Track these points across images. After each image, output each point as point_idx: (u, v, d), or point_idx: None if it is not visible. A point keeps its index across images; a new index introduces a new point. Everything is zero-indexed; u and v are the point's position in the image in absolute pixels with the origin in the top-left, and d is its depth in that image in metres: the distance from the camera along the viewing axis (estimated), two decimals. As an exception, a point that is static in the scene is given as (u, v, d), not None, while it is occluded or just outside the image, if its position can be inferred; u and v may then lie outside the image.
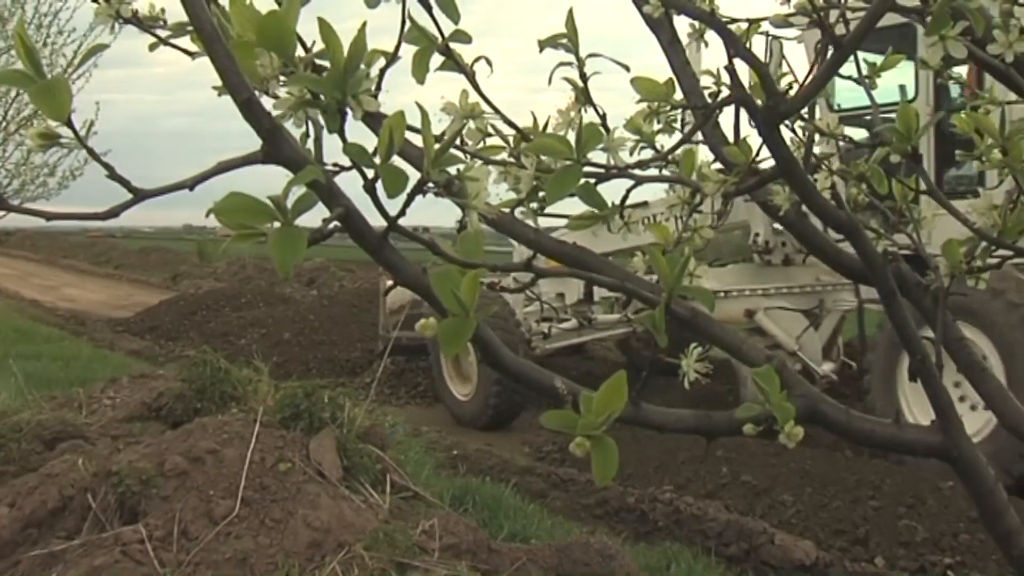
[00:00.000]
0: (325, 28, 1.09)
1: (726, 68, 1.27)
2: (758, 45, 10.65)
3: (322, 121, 1.10)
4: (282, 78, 1.13)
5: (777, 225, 11.23)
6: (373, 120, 1.15)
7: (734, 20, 1.41)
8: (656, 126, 1.43)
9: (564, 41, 1.50)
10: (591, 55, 1.47)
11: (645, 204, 9.99)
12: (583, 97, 1.47)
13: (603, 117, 1.43)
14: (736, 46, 1.27)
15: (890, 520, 7.83)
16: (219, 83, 1.07)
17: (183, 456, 5.65)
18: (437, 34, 1.32)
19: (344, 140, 1.11)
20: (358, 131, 1.13)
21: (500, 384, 11.85)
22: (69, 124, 1.03)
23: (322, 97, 1.09)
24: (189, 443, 5.79)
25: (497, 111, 1.39)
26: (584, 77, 1.47)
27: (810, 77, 1.34)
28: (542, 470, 9.61)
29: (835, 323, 11.61)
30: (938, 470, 8.34)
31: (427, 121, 1.11)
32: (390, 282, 5.71)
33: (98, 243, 50.96)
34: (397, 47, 1.18)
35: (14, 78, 1.05)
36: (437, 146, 1.07)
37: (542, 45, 1.52)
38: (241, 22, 1.11)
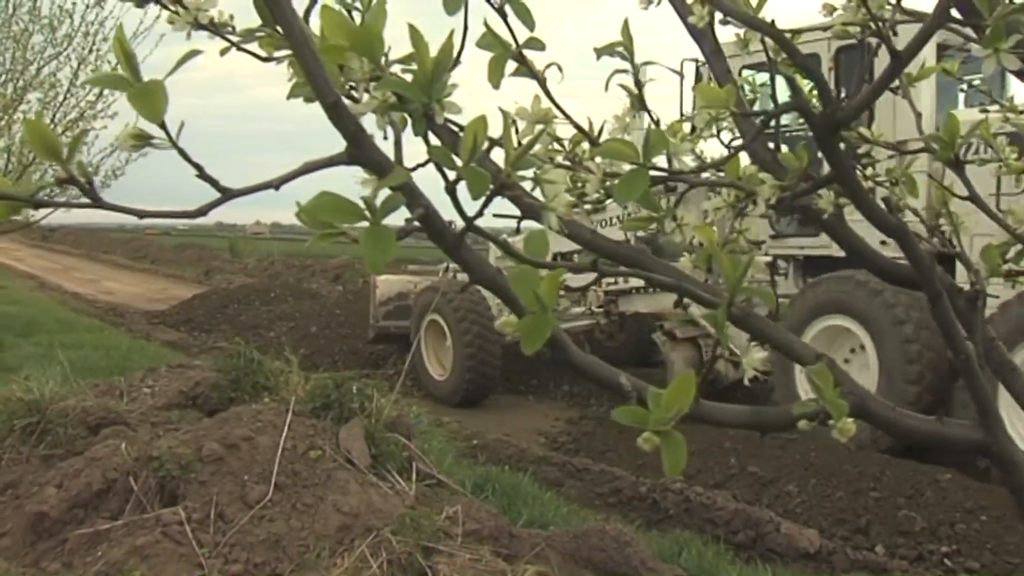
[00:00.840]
0: (415, 34, 1.07)
1: (788, 78, 1.24)
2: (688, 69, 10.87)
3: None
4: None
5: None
6: (436, 125, 1.12)
7: (790, 31, 1.39)
8: (711, 133, 1.41)
9: (620, 49, 1.48)
10: (646, 63, 1.45)
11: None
12: (638, 103, 1.45)
13: (656, 123, 1.41)
14: (796, 55, 1.25)
15: (890, 510, 7.79)
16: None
17: (220, 443, 5.65)
18: (511, 40, 1.30)
19: (428, 143, 1.09)
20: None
21: (471, 368, 12.78)
22: (162, 125, 1.02)
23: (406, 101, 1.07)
24: (225, 430, 5.79)
25: (568, 117, 1.37)
26: (639, 84, 1.45)
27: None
28: (557, 459, 9.60)
29: (763, 314, 11.64)
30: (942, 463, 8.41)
31: (508, 125, 1.09)
32: (380, 277, 5.64)
33: (136, 240, 51.12)
34: (459, 52, 1.16)
35: (111, 81, 1.03)
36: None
37: (599, 53, 1.49)
38: (331, 27, 1.08)
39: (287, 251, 39.67)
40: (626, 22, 1.46)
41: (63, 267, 38.97)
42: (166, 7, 1.18)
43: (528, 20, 1.29)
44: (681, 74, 10.09)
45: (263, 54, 1.25)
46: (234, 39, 1.25)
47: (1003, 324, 8.56)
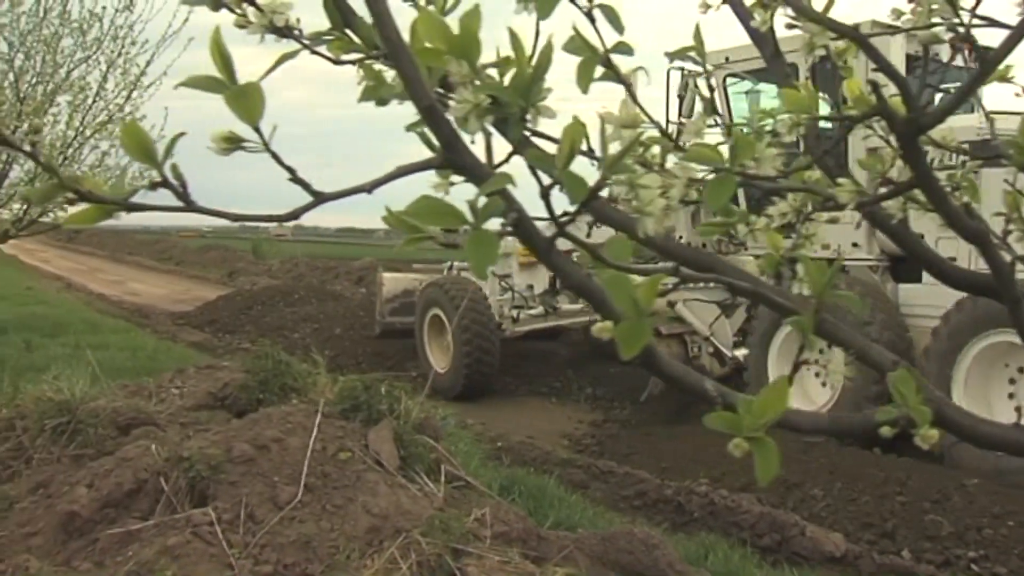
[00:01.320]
0: (514, 37, 1.05)
1: (869, 82, 1.22)
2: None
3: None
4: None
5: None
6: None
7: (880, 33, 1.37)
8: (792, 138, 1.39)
9: (692, 54, 1.46)
10: (717, 67, 1.43)
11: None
12: (710, 107, 1.43)
13: (730, 127, 1.39)
14: (879, 59, 1.22)
15: (916, 515, 7.74)
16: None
17: (250, 444, 5.64)
18: (599, 45, 1.28)
19: (526, 147, 1.07)
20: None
21: (468, 362, 13.33)
22: (257, 128, 1.00)
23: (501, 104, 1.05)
24: (255, 431, 5.78)
25: (653, 121, 1.34)
26: (711, 88, 1.43)
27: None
28: (582, 462, 9.58)
29: (746, 313, 12.04)
30: (965, 467, 8.37)
31: (606, 129, 1.07)
32: (387, 275, 5.73)
33: (160, 241, 51.27)
34: (531, 56, 1.14)
35: (206, 83, 1.02)
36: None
37: (671, 57, 1.48)
38: (427, 30, 1.07)
39: (310, 253, 39.76)
40: (697, 27, 1.44)
41: (89, 268, 39.15)
42: (232, 10, 1.16)
43: (617, 24, 1.27)
44: (668, 81, 10.13)
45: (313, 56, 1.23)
46: (303, 42, 1.23)
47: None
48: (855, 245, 10.52)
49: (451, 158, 1.02)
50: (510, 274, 14.71)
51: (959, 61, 2.05)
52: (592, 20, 1.29)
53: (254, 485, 5.42)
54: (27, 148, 1.01)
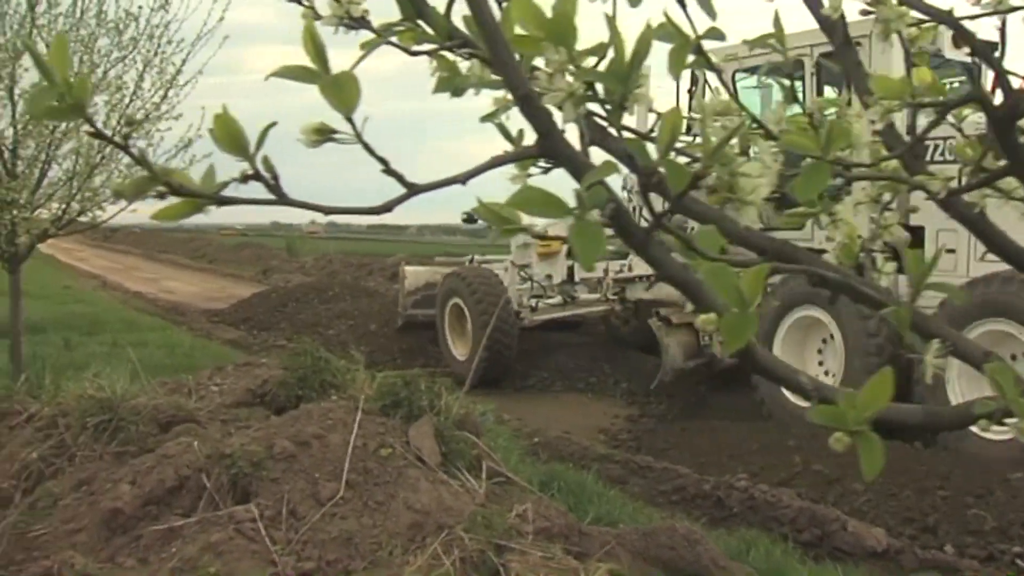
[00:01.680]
0: (611, 23, 1.02)
1: (967, 67, 1.19)
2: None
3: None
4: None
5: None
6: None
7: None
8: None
9: (772, 42, 1.43)
10: (799, 55, 1.40)
11: None
12: (790, 96, 1.40)
13: (810, 116, 1.35)
14: (974, 44, 1.19)
15: (959, 509, 7.65)
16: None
17: (291, 440, 5.64)
18: (691, 31, 1.25)
19: (620, 133, 1.04)
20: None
21: (488, 350, 13.11)
22: (350, 119, 0.98)
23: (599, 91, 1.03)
24: (296, 428, 5.79)
25: (744, 108, 1.31)
26: (791, 77, 1.40)
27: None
28: (620, 457, 9.54)
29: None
30: (1007, 461, 8.27)
31: (706, 116, 1.04)
32: (408, 268, 5.80)
33: (195, 239, 51.52)
34: (608, 43, 1.11)
35: (299, 73, 1.00)
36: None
37: (751, 44, 1.45)
38: (523, 17, 1.04)
39: (343, 250, 39.86)
40: (777, 14, 1.41)
41: (124, 266, 39.42)
42: (300, 2, 1.14)
43: (710, 9, 1.24)
44: (678, 78, 10.15)
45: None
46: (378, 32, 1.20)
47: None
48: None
49: (548, 147, 0.99)
50: (529, 264, 14.94)
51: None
52: (683, 5, 1.26)
53: (296, 482, 5.42)
54: (119, 140, 0.99)
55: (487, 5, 0.98)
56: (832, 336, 10.58)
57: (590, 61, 1.05)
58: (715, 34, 1.29)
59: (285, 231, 52.59)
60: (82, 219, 10.28)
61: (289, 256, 38.06)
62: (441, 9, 1.17)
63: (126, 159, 10.05)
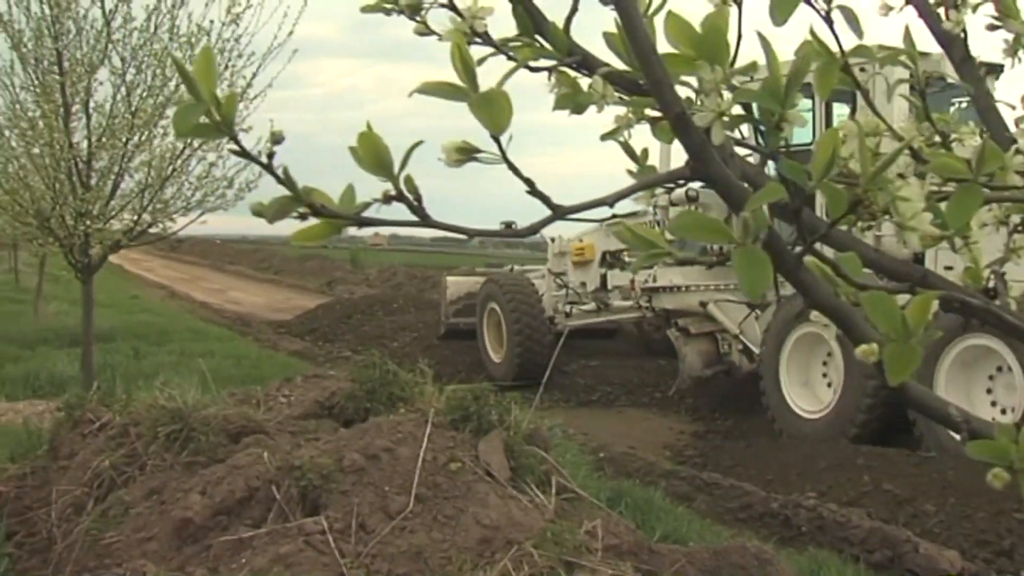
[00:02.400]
0: (764, 42, 0.99)
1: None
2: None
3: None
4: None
5: None
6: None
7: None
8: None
9: (903, 58, 1.38)
10: (931, 72, 1.36)
11: (635, 214, 11.77)
12: (923, 114, 1.35)
13: (944, 136, 1.31)
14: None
15: (1035, 532, 7.49)
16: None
17: (360, 453, 5.64)
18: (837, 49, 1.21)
19: (777, 154, 1.01)
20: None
21: (520, 351, 14.51)
22: (497, 139, 0.95)
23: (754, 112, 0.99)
24: (365, 441, 5.78)
25: (890, 128, 1.27)
26: (923, 94, 1.35)
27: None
28: (686, 474, 9.45)
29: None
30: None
31: (863, 138, 1.00)
32: (450, 278, 5.94)
33: (259, 251, 51.96)
34: (734, 57, 1.08)
35: (446, 90, 0.98)
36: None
37: (883, 62, 1.40)
38: (676, 35, 1.01)
39: (408, 262, 40.00)
40: (907, 28, 1.36)
41: (191, 277, 39.87)
42: (412, 18, 1.11)
43: (857, 27, 1.20)
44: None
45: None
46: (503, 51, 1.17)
47: None
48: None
49: (699, 169, 0.96)
50: (565, 272, 15.59)
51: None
52: (830, 23, 1.22)
53: (365, 495, 5.41)
54: (264, 160, 0.98)
55: (641, 22, 0.95)
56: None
57: (739, 79, 1.02)
58: (864, 53, 1.25)
59: (349, 243, 52.83)
60: (153, 230, 10.42)
61: (354, 268, 38.23)
62: (560, 24, 1.14)
63: (196, 171, 10.19)
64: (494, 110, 0.94)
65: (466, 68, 0.97)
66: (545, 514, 5.49)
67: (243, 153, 0.98)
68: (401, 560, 5.04)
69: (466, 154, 0.98)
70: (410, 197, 0.96)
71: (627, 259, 14.87)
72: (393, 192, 0.96)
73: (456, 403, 6.08)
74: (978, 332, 9.01)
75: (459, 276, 18.54)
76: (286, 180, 0.94)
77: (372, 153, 0.95)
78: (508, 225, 1.09)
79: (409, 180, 0.95)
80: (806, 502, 8.18)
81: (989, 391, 9.45)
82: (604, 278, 15.04)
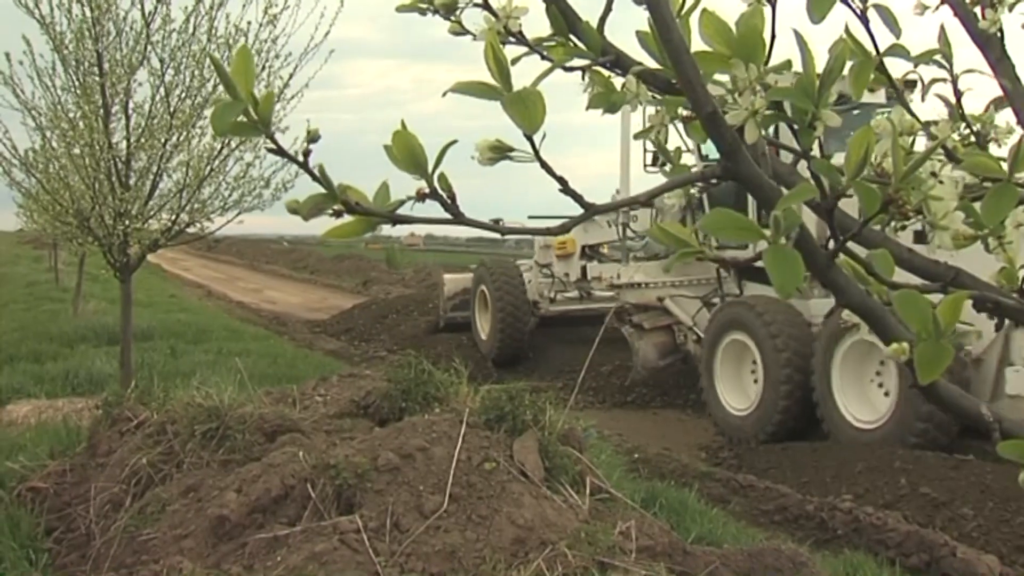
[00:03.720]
0: (800, 39, 0.99)
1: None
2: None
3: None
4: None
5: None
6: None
7: None
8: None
9: (938, 58, 1.38)
10: (967, 71, 1.35)
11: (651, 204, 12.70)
12: (958, 114, 1.34)
13: (977, 134, 1.30)
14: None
15: (1076, 537, 7.40)
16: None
17: (395, 452, 5.65)
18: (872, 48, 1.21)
19: (809, 153, 1.01)
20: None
21: (502, 331, 16.34)
22: (530, 137, 0.96)
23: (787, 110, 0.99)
24: (400, 440, 5.79)
25: (924, 127, 1.27)
26: (959, 93, 1.35)
27: None
28: (721, 475, 9.41)
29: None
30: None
31: (897, 137, 1.00)
32: (447, 276, 6.13)
33: (295, 251, 52.15)
34: (769, 55, 1.08)
35: (480, 89, 0.98)
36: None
37: (916, 61, 1.40)
38: (712, 33, 1.01)
39: (443, 262, 40.02)
40: (942, 27, 1.36)
41: (228, 277, 40.09)
42: (447, 18, 1.12)
43: (894, 26, 1.20)
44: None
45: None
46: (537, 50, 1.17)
47: None
48: None
49: (732, 168, 0.96)
50: (550, 263, 17.13)
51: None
52: (866, 22, 1.22)
53: (400, 494, 5.43)
54: (300, 159, 0.98)
55: (674, 21, 0.95)
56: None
57: (771, 78, 1.02)
58: (899, 51, 1.25)
59: (384, 243, 52.89)
60: (190, 230, 10.48)
61: (389, 268, 38.32)
62: (594, 23, 1.14)
63: (233, 171, 10.23)
64: (527, 109, 0.94)
65: (500, 67, 0.97)
66: (579, 514, 5.49)
67: (279, 151, 0.99)
68: (435, 559, 5.05)
69: (499, 152, 0.99)
70: (443, 195, 0.97)
71: (603, 252, 16.61)
72: (427, 190, 0.96)
73: (491, 403, 6.09)
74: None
75: (455, 274, 20.06)
76: (321, 178, 0.95)
77: (406, 151, 0.95)
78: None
79: (443, 178, 0.96)
80: (842, 504, 8.13)
81: (878, 373, 10.60)
82: (584, 269, 16.40)
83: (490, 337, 16.79)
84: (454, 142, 0.96)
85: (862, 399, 10.60)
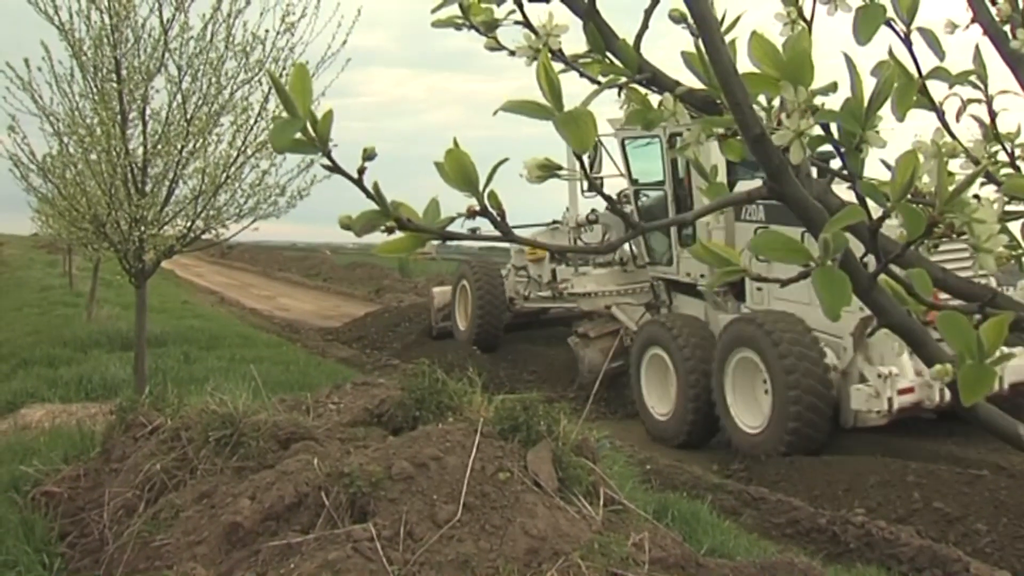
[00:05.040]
0: (849, 61, 0.99)
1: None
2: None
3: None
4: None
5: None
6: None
7: None
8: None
9: (973, 79, 1.38)
10: (1002, 91, 1.35)
11: (556, 227, 16.88)
12: (991, 134, 1.34)
13: (1013, 155, 1.30)
14: None
15: (1091, 554, 7.37)
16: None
17: (409, 461, 5.65)
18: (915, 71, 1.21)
19: (857, 175, 1.01)
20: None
21: (480, 322, 18.09)
22: (579, 157, 0.96)
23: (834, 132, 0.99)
24: (414, 449, 5.79)
25: (966, 150, 1.27)
26: (993, 114, 1.35)
27: None
28: (733, 487, 9.39)
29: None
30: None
31: (943, 160, 1.00)
32: (436, 288, 6.27)
33: (308, 258, 52.13)
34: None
35: (531, 108, 0.99)
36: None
37: (952, 81, 1.40)
38: (760, 56, 1.02)
39: (456, 271, 39.88)
40: (977, 48, 1.36)
41: (241, 283, 40.12)
42: (484, 33, 1.12)
43: (938, 49, 1.20)
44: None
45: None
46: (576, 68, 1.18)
47: None
48: None
49: (776, 189, 0.96)
50: (525, 266, 18.33)
51: None
52: (909, 44, 1.22)
53: (413, 503, 5.43)
54: (354, 176, 0.99)
55: (723, 44, 0.95)
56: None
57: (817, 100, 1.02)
58: (941, 74, 1.25)
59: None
60: (206, 236, 10.51)
61: (402, 276, 38.29)
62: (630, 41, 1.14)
63: (249, 178, 10.25)
64: (579, 129, 0.95)
65: (551, 87, 0.97)
66: (592, 525, 5.48)
67: (335, 168, 0.99)
68: (448, 568, 5.05)
69: (547, 171, 0.99)
70: (493, 212, 0.97)
71: (570, 257, 17.46)
72: (477, 207, 0.97)
73: (505, 413, 6.08)
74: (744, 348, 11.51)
75: (443, 287, 21.27)
76: (376, 195, 0.95)
77: (458, 169, 0.96)
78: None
79: (493, 195, 0.96)
80: (855, 518, 8.11)
81: (765, 381, 11.30)
82: (554, 272, 17.60)
83: (468, 328, 18.46)
84: (505, 160, 0.96)
85: (752, 405, 11.44)
